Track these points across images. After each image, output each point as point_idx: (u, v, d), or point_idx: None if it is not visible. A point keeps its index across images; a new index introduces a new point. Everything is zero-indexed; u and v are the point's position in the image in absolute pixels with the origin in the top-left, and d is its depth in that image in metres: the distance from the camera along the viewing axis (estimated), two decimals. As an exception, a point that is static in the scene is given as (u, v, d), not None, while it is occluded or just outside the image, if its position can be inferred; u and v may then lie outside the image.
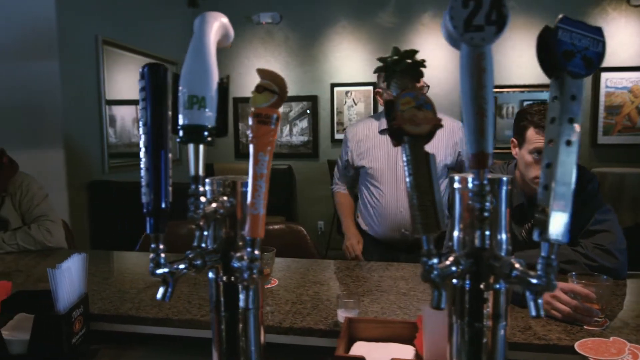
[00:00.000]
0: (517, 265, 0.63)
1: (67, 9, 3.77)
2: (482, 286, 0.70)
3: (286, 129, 5.94)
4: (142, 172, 0.69)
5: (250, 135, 0.70)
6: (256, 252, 0.69)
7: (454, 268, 0.66)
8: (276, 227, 2.45)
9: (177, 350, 1.25)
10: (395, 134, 0.67)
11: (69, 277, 1.16)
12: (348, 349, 1.09)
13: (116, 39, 4.43)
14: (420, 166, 0.66)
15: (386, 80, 0.75)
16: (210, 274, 0.78)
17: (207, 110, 0.67)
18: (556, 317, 1.22)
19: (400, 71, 0.72)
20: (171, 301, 1.34)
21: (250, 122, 0.70)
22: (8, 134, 3.76)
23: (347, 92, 5.75)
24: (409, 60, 0.73)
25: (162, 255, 0.70)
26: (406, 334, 1.11)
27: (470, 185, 0.68)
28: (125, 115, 4.85)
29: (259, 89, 0.70)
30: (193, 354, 1.22)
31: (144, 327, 1.26)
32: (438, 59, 5.55)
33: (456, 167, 2.45)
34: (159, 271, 0.69)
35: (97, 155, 4.27)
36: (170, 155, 0.71)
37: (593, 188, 1.64)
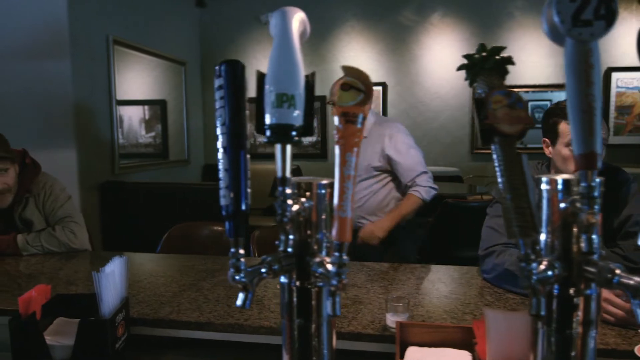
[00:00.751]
0: (617, 271, 0.60)
1: (79, 8, 3.74)
2: (572, 292, 0.67)
3: (294, 129, 5.91)
4: (221, 174, 0.66)
5: (337, 136, 0.67)
6: (344, 257, 0.66)
7: (550, 273, 0.63)
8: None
9: (218, 354, 1.22)
10: (487, 133, 0.65)
11: (113, 281, 1.13)
12: (401, 354, 1.06)
13: (126, 39, 4.40)
14: (514, 167, 0.63)
15: (471, 78, 0.72)
16: (283, 279, 0.75)
17: (295, 108, 0.65)
18: (609, 321, 1.20)
19: (488, 68, 0.69)
20: (210, 305, 1.32)
21: (336, 122, 0.67)
22: (20, 134, 3.71)
23: (356, 92, 5.71)
24: (497, 57, 0.69)
25: (242, 260, 0.67)
26: (461, 338, 1.08)
27: (560, 186, 0.66)
28: (133, 116, 4.81)
29: (344, 86, 0.67)
30: (234, 359, 1.20)
31: (183, 332, 1.23)
32: (447, 58, 5.54)
33: (382, 169, 2.46)
34: (240, 277, 0.66)
35: (107, 156, 4.24)
36: (248, 156, 0.68)
37: (629, 189, 1.62)
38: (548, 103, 5.64)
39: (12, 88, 3.68)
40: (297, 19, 0.69)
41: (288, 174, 0.69)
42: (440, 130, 5.62)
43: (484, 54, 0.71)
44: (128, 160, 4.58)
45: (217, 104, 0.66)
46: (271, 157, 6.00)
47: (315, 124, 5.86)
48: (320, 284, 0.71)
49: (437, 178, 4.77)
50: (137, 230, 3.89)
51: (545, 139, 1.69)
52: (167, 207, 4.02)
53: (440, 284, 1.51)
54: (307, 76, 0.68)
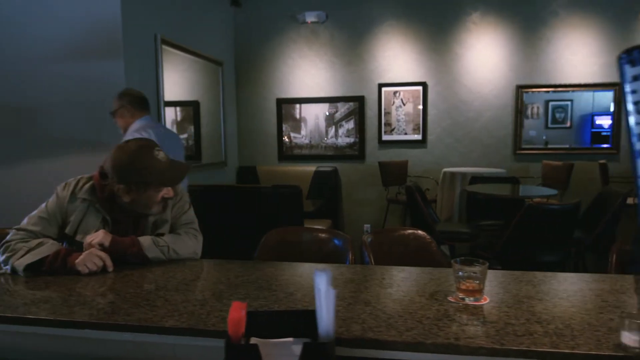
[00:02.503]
0: None
1: (131, 7, 3.61)
2: None
3: (332, 130, 5.80)
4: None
5: None
6: None
7: None
8: (401, 232, 2.30)
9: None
10: None
11: (328, 298, 1.01)
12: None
13: (171, 38, 4.27)
14: None
15: None
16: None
17: None
18: None
19: None
20: (399, 321, 1.20)
21: None
22: (72, 136, 3.60)
23: (395, 93, 5.62)
24: None
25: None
26: None
27: None
28: (165, 117, 4.67)
29: None
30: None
31: (388, 353, 1.11)
32: (490, 57, 5.45)
33: None
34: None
35: (155, 158, 4.10)
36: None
37: None
38: (569, 104, 5.57)
39: (65, 89, 3.56)
40: None
41: None
42: (482, 130, 5.52)
43: None
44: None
45: (631, 98, 0.54)
46: (305, 158, 5.91)
47: (352, 125, 5.75)
48: None
49: (485, 179, 4.70)
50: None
51: None
52: (219, 209, 3.90)
53: (621, 294, 1.40)
54: None
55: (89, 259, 1.60)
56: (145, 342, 1.25)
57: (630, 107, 0.66)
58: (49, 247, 1.64)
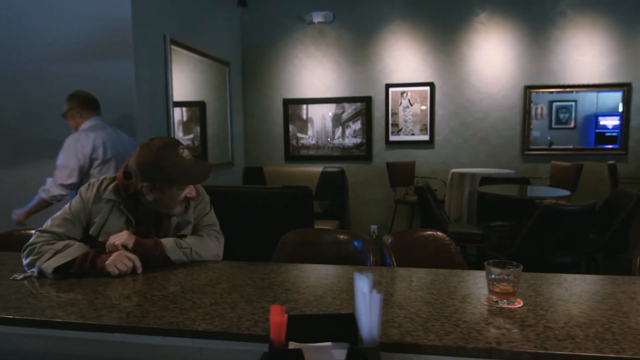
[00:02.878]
0: None
1: (141, 7, 3.59)
2: None
3: (339, 131, 5.78)
4: None
5: None
6: None
7: None
8: (420, 234, 2.28)
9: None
10: None
11: (371, 301, 0.99)
12: None
13: (179, 39, 4.25)
14: None
15: None
16: None
17: None
18: None
19: None
20: (437, 325, 1.18)
21: None
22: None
23: (402, 93, 5.60)
24: None
25: None
26: None
27: None
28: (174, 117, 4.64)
29: None
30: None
31: (430, 357, 1.09)
32: (498, 58, 5.43)
33: None
34: None
35: (164, 159, 4.08)
36: None
37: None
38: (573, 104, 5.55)
39: (75, 89, 3.53)
40: None
41: None
42: (490, 131, 5.50)
43: None
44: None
45: None
46: (312, 159, 5.90)
47: (359, 126, 5.73)
48: None
49: (493, 180, 4.68)
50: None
51: None
52: (227, 210, 3.87)
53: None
54: None
55: (119, 260, 1.58)
56: (171, 345, 1.23)
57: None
58: (76, 249, 1.62)
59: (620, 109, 5.33)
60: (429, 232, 2.28)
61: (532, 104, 5.43)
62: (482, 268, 1.43)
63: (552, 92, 5.43)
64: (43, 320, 1.27)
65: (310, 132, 5.84)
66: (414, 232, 2.31)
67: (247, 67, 5.89)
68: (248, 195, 4.16)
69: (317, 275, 1.64)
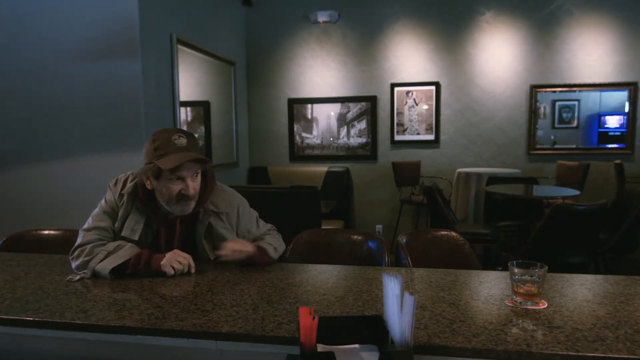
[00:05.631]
0: None
1: (148, 6, 3.58)
2: None
3: (344, 131, 5.77)
4: None
5: None
6: None
7: None
8: (434, 234, 2.26)
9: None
10: None
11: (406, 303, 0.97)
12: None
13: (185, 38, 4.24)
14: None
15: None
16: None
17: None
18: None
19: None
20: (463, 327, 1.16)
21: None
22: (90, 136, 3.57)
23: (407, 92, 5.58)
24: None
25: None
26: None
27: None
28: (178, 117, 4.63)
29: None
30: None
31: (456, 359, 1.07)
32: (503, 57, 5.42)
33: None
34: None
35: (171, 159, 4.06)
36: None
37: None
38: (576, 103, 5.54)
39: (82, 89, 3.53)
40: None
41: None
42: (496, 130, 5.48)
43: None
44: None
45: None
46: (317, 158, 5.87)
47: (365, 125, 5.72)
48: None
49: (499, 180, 4.67)
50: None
51: None
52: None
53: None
54: None
55: (174, 260, 1.58)
56: (193, 347, 1.22)
57: None
58: (129, 249, 1.61)
59: (627, 109, 5.31)
60: (443, 232, 2.26)
61: (538, 104, 5.41)
62: (490, 268, 1.42)
63: (555, 92, 5.42)
64: (64, 323, 1.25)
65: (315, 132, 5.82)
66: (428, 232, 2.30)
67: (252, 66, 5.88)
68: (255, 195, 4.15)
69: (336, 276, 1.63)
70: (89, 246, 1.61)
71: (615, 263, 4.27)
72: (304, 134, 5.85)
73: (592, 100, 5.48)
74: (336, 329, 1.06)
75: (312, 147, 5.84)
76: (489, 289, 1.46)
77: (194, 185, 1.62)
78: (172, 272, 1.57)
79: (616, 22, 5.16)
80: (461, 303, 1.34)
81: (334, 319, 1.09)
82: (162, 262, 1.57)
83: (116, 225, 1.68)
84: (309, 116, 5.82)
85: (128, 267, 1.57)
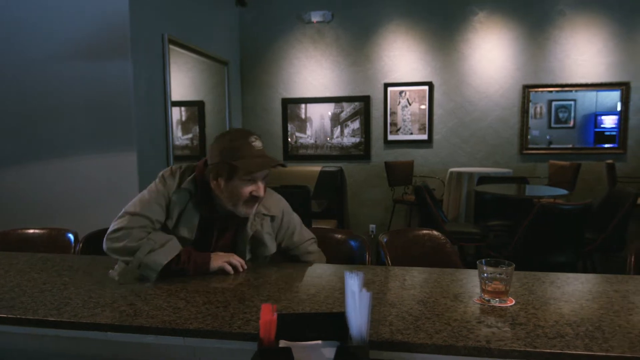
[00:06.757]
0: None
1: (139, 6, 3.60)
2: None
3: (337, 130, 5.79)
4: None
5: None
6: None
7: None
8: (416, 233, 2.28)
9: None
10: None
11: (361, 300, 0.99)
12: None
13: (178, 38, 4.26)
14: None
15: None
16: None
17: None
18: None
19: None
20: (427, 323, 1.18)
21: None
22: (81, 136, 3.59)
23: (401, 92, 5.60)
24: None
25: None
26: None
27: None
28: (172, 117, 4.64)
29: None
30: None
31: (419, 356, 1.09)
32: (496, 57, 5.44)
33: None
34: None
35: (162, 159, 4.09)
36: None
37: None
38: (572, 103, 5.55)
39: (73, 89, 3.54)
40: None
41: None
42: (488, 130, 5.50)
43: None
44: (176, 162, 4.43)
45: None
46: (310, 158, 5.87)
47: (358, 125, 5.74)
48: None
49: (491, 179, 4.69)
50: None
51: None
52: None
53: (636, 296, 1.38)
54: None
55: (229, 258, 1.60)
56: (165, 344, 1.24)
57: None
58: (177, 244, 1.57)
59: (619, 108, 5.33)
60: (424, 231, 2.28)
61: (530, 103, 5.43)
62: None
63: (551, 92, 5.43)
64: (38, 320, 1.27)
65: (308, 132, 5.84)
66: (409, 231, 2.32)
67: (246, 66, 5.90)
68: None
69: (311, 274, 1.65)
70: (135, 230, 1.55)
71: (607, 262, 4.29)
72: (297, 134, 5.86)
73: (588, 100, 5.50)
74: (300, 325, 1.08)
75: (305, 146, 5.86)
76: (461, 287, 1.48)
77: (263, 187, 1.61)
78: (231, 269, 1.59)
79: (608, 23, 5.17)
80: (430, 301, 1.36)
81: (297, 315, 1.10)
82: (223, 262, 1.59)
83: (167, 221, 1.62)
84: (303, 116, 5.84)
85: (178, 262, 1.55)
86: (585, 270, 3.62)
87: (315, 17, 5.55)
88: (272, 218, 1.73)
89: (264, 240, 1.71)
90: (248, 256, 1.71)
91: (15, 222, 3.01)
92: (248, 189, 1.58)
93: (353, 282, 1.00)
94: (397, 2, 5.53)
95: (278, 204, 1.78)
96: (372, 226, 5.81)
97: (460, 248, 3.83)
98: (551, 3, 5.26)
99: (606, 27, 5.18)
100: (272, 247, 1.74)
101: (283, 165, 1.64)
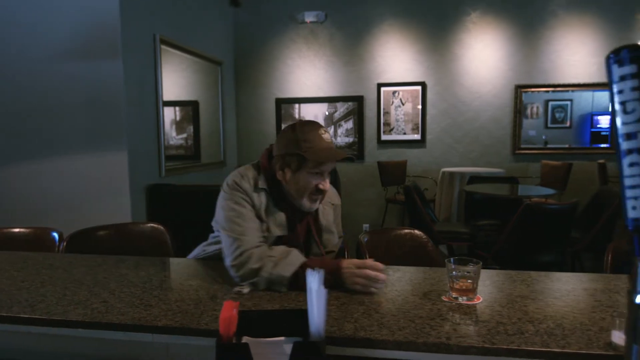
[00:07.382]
0: None
1: (129, 7, 3.62)
2: None
3: (331, 130, 5.80)
4: (628, 177, 0.55)
5: None
6: None
7: None
8: (398, 232, 2.30)
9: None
10: None
11: (318, 297, 1.01)
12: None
13: (170, 38, 4.28)
14: None
15: None
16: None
17: None
18: None
19: None
20: (392, 321, 1.20)
21: None
22: (72, 135, 3.61)
23: (394, 92, 5.62)
24: None
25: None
26: None
27: None
28: (164, 117, 4.67)
29: None
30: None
31: (379, 352, 1.11)
32: (489, 57, 5.45)
33: None
34: None
35: (154, 158, 4.11)
36: None
37: None
38: (568, 103, 5.57)
39: (64, 89, 3.57)
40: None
41: None
42: (481, 130, 5.52)
43: None
44: (171, 162, 4.45)
45: (620, 98, 0.54)
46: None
47: (351, 125, 5.76)
48: None
49: (483, 179, 4.70)
50: (182, 235, 3.76)
51: None
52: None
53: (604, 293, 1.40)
54: None
55: (360, 274, 1.42)
56: (135, 341, 1.26)
57: (617, 107, 0.67)
58: (298, 255, 1.48)
59: (610, 108, 5.33)
60: (406, 231, 2.29)
61: (526, 103, 5.44)
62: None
63: (547, 92, 5.45)
64: (11, 317, 1.29)
65: (302, 132, 5.85)
66: (390, 230, 2.33)
67: (240, 66, 5.92)
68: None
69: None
70: (255, 250, 1.47)
71: (596, 261, 4.30)
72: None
73: (584, 101, 5.51)
74: (264, 322, 1.09)
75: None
76: (432, 285, 1.50)
77: (328, 181, 1.60)
78: (372, 289, 1.42)
79: (600, 23, 5.19)
80: (399, 299, 1.37)
81: (258, 312, 1.12)
82: (362, 283, 1.40)
83: (263, 224, 1.58)
84: (297, 116, 5.86)
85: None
86: (573, 270, 3.63)
87: (309, 17, 5.58)
88: (335, 207, 1.73)
89: (332, 230, 1.70)
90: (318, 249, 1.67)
91: (4, 221, 3.04)
92: (315, 182, 1.55)
93: (312, 279, 1.02)
94: (390, 2, 5.55)
95: (335, 192, 1.78)
96: (366, 226, 5.83)
97: (450, 248, 3.84)
98: (543, 4, 5.28)
99: (598, 27, 5.20)
100: (337, 237, 1.73)
101: (351, 159, 1.60)
